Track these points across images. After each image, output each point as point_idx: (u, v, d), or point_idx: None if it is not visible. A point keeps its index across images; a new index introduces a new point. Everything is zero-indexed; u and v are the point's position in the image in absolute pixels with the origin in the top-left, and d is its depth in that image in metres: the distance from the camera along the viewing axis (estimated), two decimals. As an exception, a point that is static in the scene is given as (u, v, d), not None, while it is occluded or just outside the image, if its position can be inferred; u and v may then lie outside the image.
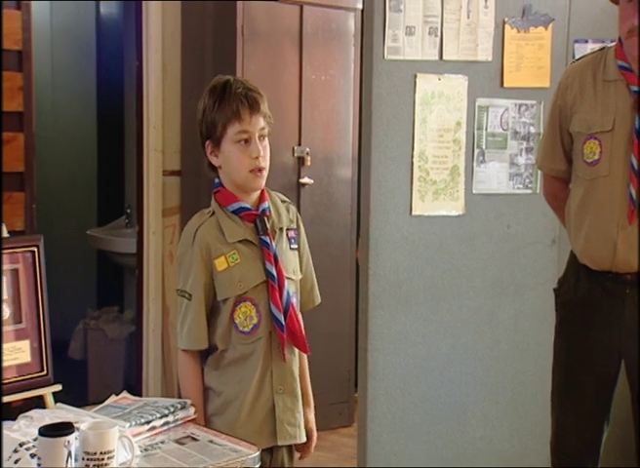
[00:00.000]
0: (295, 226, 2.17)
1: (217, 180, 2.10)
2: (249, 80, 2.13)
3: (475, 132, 2.84)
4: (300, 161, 3.92)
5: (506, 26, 2.86)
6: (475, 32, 2.84)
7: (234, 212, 2.06)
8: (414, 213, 2.73)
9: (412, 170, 2.73)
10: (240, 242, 2.04)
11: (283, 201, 2.19)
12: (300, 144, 3.93)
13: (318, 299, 2.23)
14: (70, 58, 5.34)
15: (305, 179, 3.92)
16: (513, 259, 2.86)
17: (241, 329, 2.02)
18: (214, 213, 2.07)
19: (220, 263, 2.02)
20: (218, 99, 2.01)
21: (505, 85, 2.87)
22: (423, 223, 2.74)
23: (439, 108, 2.78)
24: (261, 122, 2.03)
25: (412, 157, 2.72)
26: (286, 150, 3.87)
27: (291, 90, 3.92)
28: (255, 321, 2.01)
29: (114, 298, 4.87)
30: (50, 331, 1.93)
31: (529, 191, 2.89)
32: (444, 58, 2.78)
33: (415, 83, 2.73)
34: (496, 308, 2.84)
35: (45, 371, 1.89)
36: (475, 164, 2.84)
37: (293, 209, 2.20)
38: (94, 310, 4.72)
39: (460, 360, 2.77)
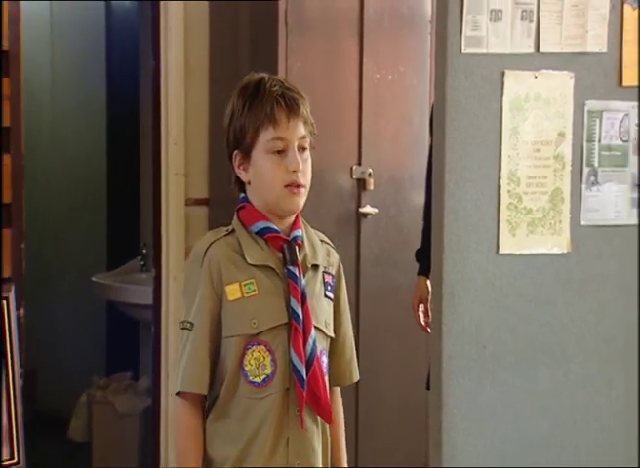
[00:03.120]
0: (332, 271, 2.22)
1: (242, 195, 2.18)
2: (291, 80, 2.22)
3: (584, 145, 2.83)
4: (361, 184, 3.95)
5: (626, 6, 2.85)
6: (584, 15, 2.83)
7: (259, 233, 2.12)
8: (502, 250, 2.71)
9: (499, 195, 2.72)
10: (260, 269, 2.10)
11: (323, 241, 2.25)
12: (360, 164, 3.97)
13: (356, 376, 2.27)
14: (75, 60, 5.51)
15: (367, 208, 3.95)
16: (637, 311, 2.82)
17: (251, 378, 2.06)
18: (233, 231, 2.14)
19: (233, 291, 2.09)
20: (249, 100, 2.10)
21: (625, 83, 2.85)
22: (515, 264, 2.72)
23: (535, 115, 2.77)
24: (302, 129, 2.11)
25: (499, 179, 2.72)
26: (342, 171, 3.91)
27: (348, 93, 3.97)
28: (268, 371, 2.05)
29: (127, 363, 4.95)
30: (25, 404, 1.99)
31: (658, 222, 2.86)
32: (542, 49, 2.79)
33: (502, 83, 2.74)
34: (614, 376, 2.80)
35: (16, 459, 1.94)
36: (585, 187, 2.82)
37: (334, 254, 2.27)
38: (100, 378, 4.81)
39: (565, 444, 2.73)
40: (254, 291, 2.08)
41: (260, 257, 2.10)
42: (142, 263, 4.79)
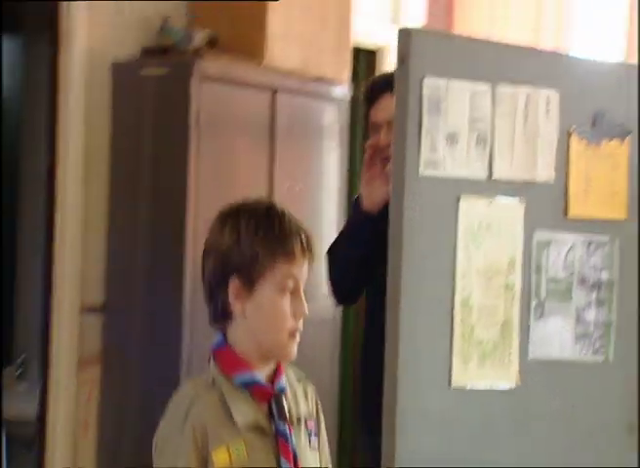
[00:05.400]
0: (313, 413, 2.09)
1: (220, 338, 1.99)
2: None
3: (532, 275, 2.76)
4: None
5: (573, 137, 2.82)
6: (534, 143, 2.79)
7: (243, 384, 1.93)
8: (454, 384, 2.61)
9: (452, 323, 2.61)
10: (250, 429, 1.92)
11: (298, 379, 2.10)
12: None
13: None
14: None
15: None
16: (580, 449, 2.76)
17: None
18: (213, 381, 1.95)
19: (221, 457, 1.91)
20: (262, 226, 1.91)
21: (571, 214, 2.81)
22: (465, 398, 2.63)
23: (488, 243, 2.69)
24: (307, 270, 1.96)
25: (452, 306, 2.62)
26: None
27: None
28: None
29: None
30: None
31: (600, 358, 2.81)
32: (494, 176, 2.72)
33: (457, 209, 2.65)
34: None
35: None
36: (532, 319, 2.75)
37: (311, 389, 2.12)
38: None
39: None
40: (243, 457, 1.89)
41: (248, 415, 1.91)
42: (19, 372, 4.44)
